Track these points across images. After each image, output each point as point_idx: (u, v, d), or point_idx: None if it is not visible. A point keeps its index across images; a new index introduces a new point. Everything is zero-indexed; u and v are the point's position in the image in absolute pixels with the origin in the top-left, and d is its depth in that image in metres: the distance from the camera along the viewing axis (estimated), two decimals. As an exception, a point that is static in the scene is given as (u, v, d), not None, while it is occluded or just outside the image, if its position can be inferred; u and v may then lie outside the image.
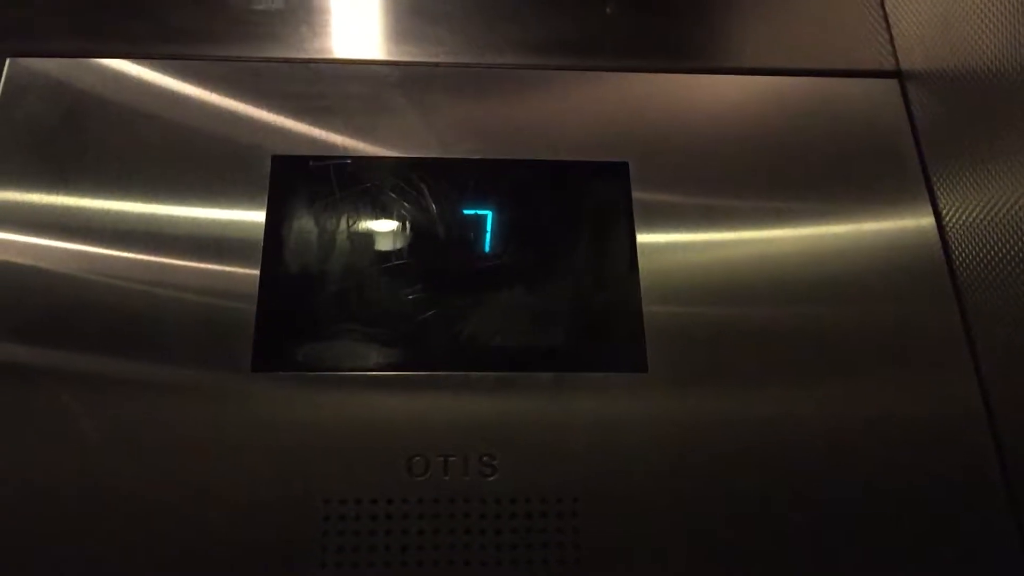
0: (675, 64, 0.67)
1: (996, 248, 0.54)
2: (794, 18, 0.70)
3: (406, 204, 0.60)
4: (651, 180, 0.62)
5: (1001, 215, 0.54)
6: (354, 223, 0.60)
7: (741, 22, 0.70)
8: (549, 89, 0.65)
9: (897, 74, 0.66)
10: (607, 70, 0.66)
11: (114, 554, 0.50)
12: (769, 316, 0.58)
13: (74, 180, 0.59)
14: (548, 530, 0.52)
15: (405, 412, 0.54)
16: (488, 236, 0.60)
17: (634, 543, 0.52)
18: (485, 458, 0.53)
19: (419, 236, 0.60)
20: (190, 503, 0.51)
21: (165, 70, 0.63)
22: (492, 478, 0.53)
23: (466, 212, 0.61)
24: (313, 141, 0.62)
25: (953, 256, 0.59)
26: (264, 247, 0.58)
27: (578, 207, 0.62)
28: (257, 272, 0.57)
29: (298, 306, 0.57)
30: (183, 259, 0.57)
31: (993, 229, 0.54)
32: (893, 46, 0.67)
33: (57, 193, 0.58)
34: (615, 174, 0.62)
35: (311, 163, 0.61)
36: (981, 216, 0.56)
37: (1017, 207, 0.52)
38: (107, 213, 0.58)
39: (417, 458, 0.53)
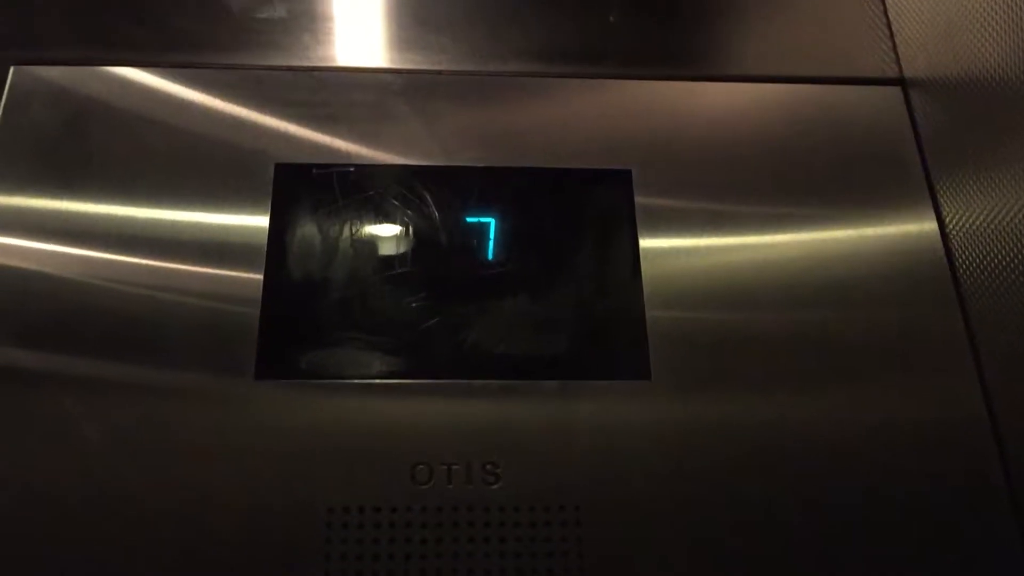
0: (678, 72, 0.67)
1: (999, 254, 0.54)
2: (797, 26, 0.70)
3: (409, 212, 0.60)
4: (654, 187, 0.62)
5: (1004, 221, 0.54)
6: (357, 231, 0.60)
7: (744, 30, 0.70)
8: (552, 97, 0.65)
9: (900, 81, 0.66)
10: (610, 77, 0.66)
11: (116, 560, 0.50)
12: (772, 322, 0.58)
13: (78, 186, 0.59)
14: (552, 538, 0.52)
15: (408, 420, 0.54)
16: (491, 244, 0.60)
17: (638, 551, 0.52)
18: (488, 466, 0.53)
19: (422, 244, 0.60)
20: (193, 510, 0.51)
21: (169, 78, 0.63)
22: (496, 486, 0.53)
23: (469, 220, 0.61)
24: (316, 148, 0.62)
25: (956, 262, 0.59)
26: (267, 255, 0.58)
27: (581, 215, 0.62)
28: (260, 279, 0.57)
29: (301, 314, 0.57)
30: (187, 265, 0.57)
31: (996, 235, 0.54)
32: (896, 54, 0.67)
33: (61, 199, 0.58)
34: (618, 181, 0.62)
35: (314, 171, 0.61)
36: (984, 222, 0.56)
37: (1020, 213, 0.52)
38: (111, 219, 0.58)
39: (421, 466, 0.53)
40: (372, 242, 0.60)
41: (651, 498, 0.53)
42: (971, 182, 0.57)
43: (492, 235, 0.60)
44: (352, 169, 0.61)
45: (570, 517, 0.52)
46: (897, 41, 0.68)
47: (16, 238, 0.57)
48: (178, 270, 0.57)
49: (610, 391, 0.56)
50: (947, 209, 0.60)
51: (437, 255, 0.59)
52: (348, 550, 0.51)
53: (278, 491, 0.52)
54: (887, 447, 0.55)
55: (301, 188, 0.60)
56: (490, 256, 0.60)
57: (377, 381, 0.55)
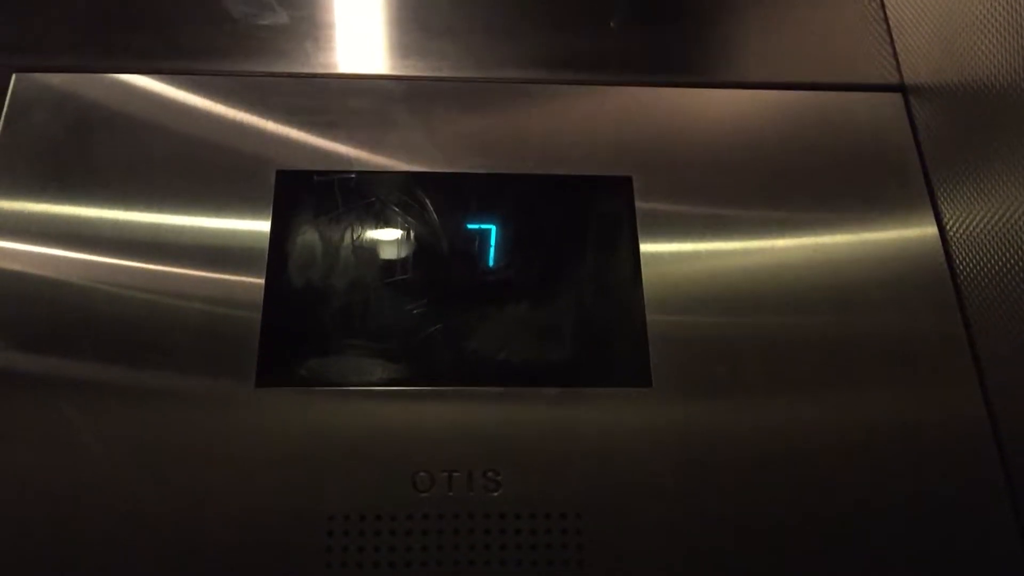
0: (679, 78, 0.67)
1: (999, 258, 0.54)
2: (798, 33, 0.70)
3: (410, 218, 0.61)
4: (655, 194, 0.62)
5: (1004, 226, 0.54)
6: (358, 237, 0.60)
7: (745, 36, 0.70)
8: (553, 103, 0.65)
9: (901, 88, 0.66)
10: (611, 84, 0.66)
11: (115, 567, 0.50)
12: (773, 328, 0.58)
13: (80, 192, 0.59)
14: (553, 546, 0.52)
15: (409, 427, 0.54)
16: (492, 250, 0.60)
17: (639, 559, 0.52)
18: (489, 473, 0.53)
19: (423, 250, 0.60)
20: (193, 518, 0.51)
21: (170, 84, 0.63)
22: (496, 493, 0.53)
23: (470, 226, 0.61)
24: (318, 155, 0.62)
25: (956, 266, 0.59)
26: (268, 262, 0.58)
27: (582, 221, 0.62)
28: (262, 285, 0.57)
29: (302, 321, 0.57)
30: (188, 271, 0.57)
31: (996, 240, 0.55)
32: (897, 60, 0.67)
33: (63, 204, 0.59)
34: (619, 188, 0.62)
35: (316, 177, 0.61)
36: (984, 227, 0.56)
37: (1020, 218, 0.52)
38: (113, 224, 0.58)
39: (422, 473, 0.53)
40: (373, 248, 0.60)
41: (652, 506, 0.53)
42: (971, 187, 0.57)
43: (493, 242, 0.60)
44: (353, 175, 0.61)
45: (571, 525, 0.52)
46: (898, 48, 0.68)
47: (18, 243, 0.57)
48: (179, 276, 0.57)
49: (611, 399, 0.56)
50: (947, 214, 0.61)
51: (438, 262, 0.59)
52: (349, 558, 0.51)
53: (279, 498, 0.52)
54: (888, 452, 0.55)
55: (302, 194, 0.60)
56: (491, 263, 0.60)
57: (378, 388, 0.55)
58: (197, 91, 0.63)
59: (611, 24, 0.69)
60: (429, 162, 0.62)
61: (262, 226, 0.59)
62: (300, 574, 0.50)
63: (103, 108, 0.62)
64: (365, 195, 0.61)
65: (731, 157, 0.63)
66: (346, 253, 0.59)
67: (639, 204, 0.61)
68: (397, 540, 0.51)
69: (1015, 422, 0.54)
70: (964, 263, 0.58)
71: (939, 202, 0.61)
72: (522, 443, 0.54)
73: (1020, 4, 0.52)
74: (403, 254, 0.60)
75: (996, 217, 0.54)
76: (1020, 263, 0.52)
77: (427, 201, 0.61)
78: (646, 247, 0.60)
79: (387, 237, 0.60)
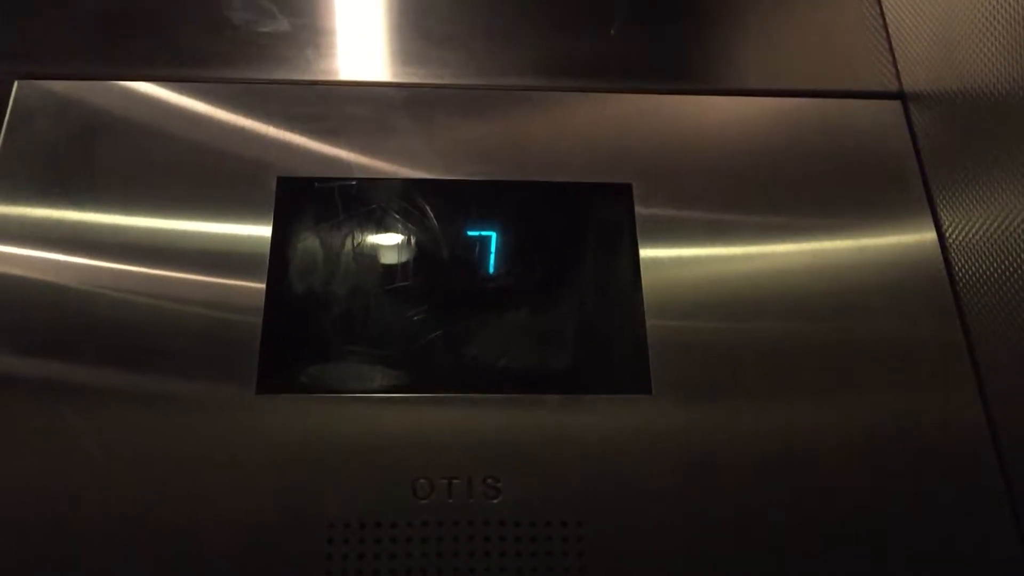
0: (679, 85, 0.67)
1: (998, 265, 0.54)
2: (798, 40, 0.70)
3: (411, 225, 0.61)
4: (655, 201, 0.62)
5: (1003, 232, 0.54)
6: (359, 244, 0.60)
7: (745, 44, 0.71)
8: (553, 110, 0.65)
9: (900, 95, 0.66)
10: (611, 91, 0.66)
11: (116, 572, 0.50)
12: (773, 334, 0.58)
13: (82, 198, 0.59)
14: (553, 553, 0.52)
15: (409, 434, 0.54)
16: (492, 257, 0.60)
17: (639, 566, 0.52)
18: (489, 480, 0.53)
19: (424, 257, 0.60)
20: (193, 524, 0.51)
21: (172, 91, 0.63)
22: (496, 500, 0.53)
23: (470, 233, 0.61)
24: (319, 161, 0.62)
25: (955, 273, 0.59)
26: (269, 268, 0.58)
27: (582, 228, 0.62)
28: (263, 291, 0.57)
29: (303, 327, 0.57)
30: (189, 276, 0.57)
31: (995, 246, 0.55)
32: (896, 67, 0.68)
33: (66, 210, 0.59)
34: (619, 195, 0.62)
35: (316, 184, 0.61)
36: (983, 233, 0.56)
37: (1019, 225, 0.52)
38: (114, 229, 0.58)
39: (422, 480, 0.53)
40: (374, 255, 0.60)
41: (652, 513, 0.53)
42: (970, 194, 0.58)
43: (493, 248, 0.60)
44: (354, 182, 0.61)
45: (571, 532, 0.52)
46: (897, 55, 0.68)
47: (20, 248, 0.57)
48: (181, 281, 0.57)
49: (611, 406, 0.56)
50: (946, 220, 0.61)
51: (438, 268, 0.60)
52: (349, 566, 0.51)
53: (279, 505, 0.52)
54: (888, 457, 0.55)
55: (303, 201, 0.60)
56: (491, 269, 0.60)
57: (378, 395, 0.55)
58: (198, 98, 0.63)
59: (611, 32, 0.69)
60: (430, 169, 0.62)
61: (263, 232, 0.59)
62: (300, 581, 0.50)
63: (105, 114, 0.62)
64: (366, 201, 0.61)
65: (731, 164, 0.64)
66: (347, 259, 0.59)
67: (639, 210, 0.61)
68: (397, 547, 0.51)
69: (1014, 428, 0.54)
70: (963, 270, 0.58)
71: (938, 209, 0.62)
72: (522, 450, 0.54)
73: (1019, 12, 0.52)
74: (403, 261, 0.60)
75: (995, 224, 0.55)
76: (1019, 270, 0.52)
77: (427, 208, 0.61)
78: (646, 253, 0.60)
79: (388, 243, 0.60)
